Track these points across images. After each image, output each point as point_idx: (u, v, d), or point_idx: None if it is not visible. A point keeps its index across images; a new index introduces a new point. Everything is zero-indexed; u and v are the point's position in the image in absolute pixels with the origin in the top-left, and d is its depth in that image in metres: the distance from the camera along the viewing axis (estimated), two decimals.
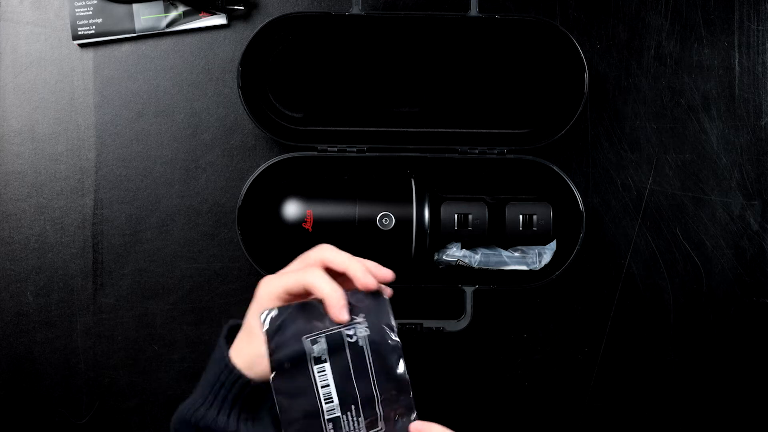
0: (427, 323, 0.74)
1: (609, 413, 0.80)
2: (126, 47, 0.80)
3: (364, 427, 0.54)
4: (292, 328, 0.54)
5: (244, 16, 0.80)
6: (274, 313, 0.54)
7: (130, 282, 0.80)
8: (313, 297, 0.56)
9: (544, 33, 0.76)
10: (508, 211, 0.75)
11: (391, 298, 0.57)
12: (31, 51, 0.80)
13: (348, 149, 0.76)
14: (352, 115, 0.79)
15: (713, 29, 0.81)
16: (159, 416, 0.80)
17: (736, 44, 0.81)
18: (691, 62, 0.81)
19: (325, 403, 0.54)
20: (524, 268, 0.75)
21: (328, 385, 0.54)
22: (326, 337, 0.54)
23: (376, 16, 0.75)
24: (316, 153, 0.76)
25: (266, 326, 0.54)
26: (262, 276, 0.58)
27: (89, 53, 0.80)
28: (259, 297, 0.58)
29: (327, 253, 0.57)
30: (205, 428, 0.57)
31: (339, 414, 0.54)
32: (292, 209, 0.74)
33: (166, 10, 0.79)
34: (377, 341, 0.54)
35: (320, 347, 0.54)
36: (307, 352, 0.53)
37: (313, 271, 0.56)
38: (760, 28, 0.82)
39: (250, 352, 0.57)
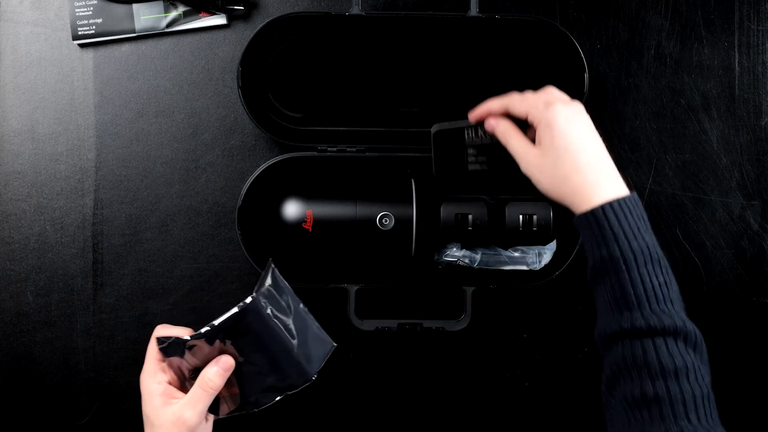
0: (427, 323, 0.74)
1: None
2: (126, 47, 0.80)
3: None
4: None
5: (244, 16, 0.80)
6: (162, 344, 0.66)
7: (130, 282, 0.80)
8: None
9: (544, 33, 0.76)
10: (508, 211, 0.75)
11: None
12: (31, 51, 0.80)
13: (348, 149, 0.76)
14: (352, 115, 0.79)
15: (713, 29, 0.81)
16: None
17: (736, 44, 0.81)
18: (691, 62, 0.81)
19: None
20: (524, 268, 0.75)
21: None
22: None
23: (376, 16, 0.75)
24: (316, 153, 0.76)
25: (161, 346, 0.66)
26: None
27: (89, 53, 0.80)
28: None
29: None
30: None
31: None
32: (292, 209, 0.74)
33: (166, 10, 0.79)
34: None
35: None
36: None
37: None
38: (760, 28, 0.82)
39: None
